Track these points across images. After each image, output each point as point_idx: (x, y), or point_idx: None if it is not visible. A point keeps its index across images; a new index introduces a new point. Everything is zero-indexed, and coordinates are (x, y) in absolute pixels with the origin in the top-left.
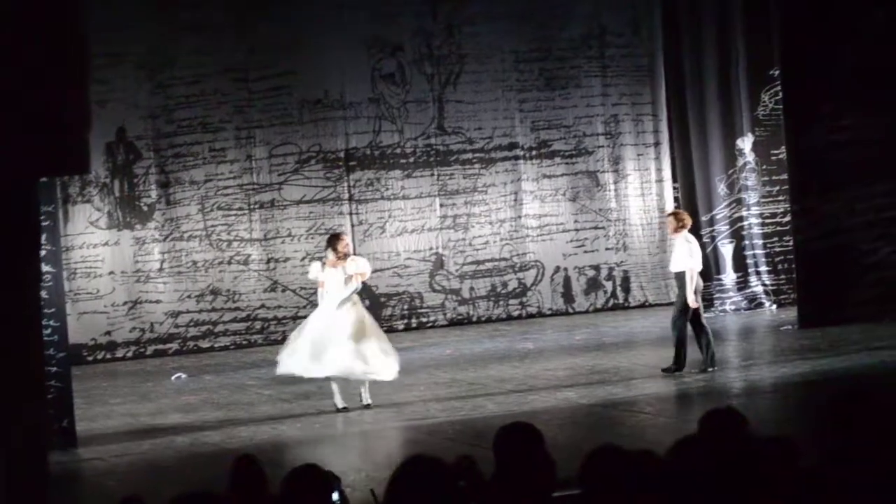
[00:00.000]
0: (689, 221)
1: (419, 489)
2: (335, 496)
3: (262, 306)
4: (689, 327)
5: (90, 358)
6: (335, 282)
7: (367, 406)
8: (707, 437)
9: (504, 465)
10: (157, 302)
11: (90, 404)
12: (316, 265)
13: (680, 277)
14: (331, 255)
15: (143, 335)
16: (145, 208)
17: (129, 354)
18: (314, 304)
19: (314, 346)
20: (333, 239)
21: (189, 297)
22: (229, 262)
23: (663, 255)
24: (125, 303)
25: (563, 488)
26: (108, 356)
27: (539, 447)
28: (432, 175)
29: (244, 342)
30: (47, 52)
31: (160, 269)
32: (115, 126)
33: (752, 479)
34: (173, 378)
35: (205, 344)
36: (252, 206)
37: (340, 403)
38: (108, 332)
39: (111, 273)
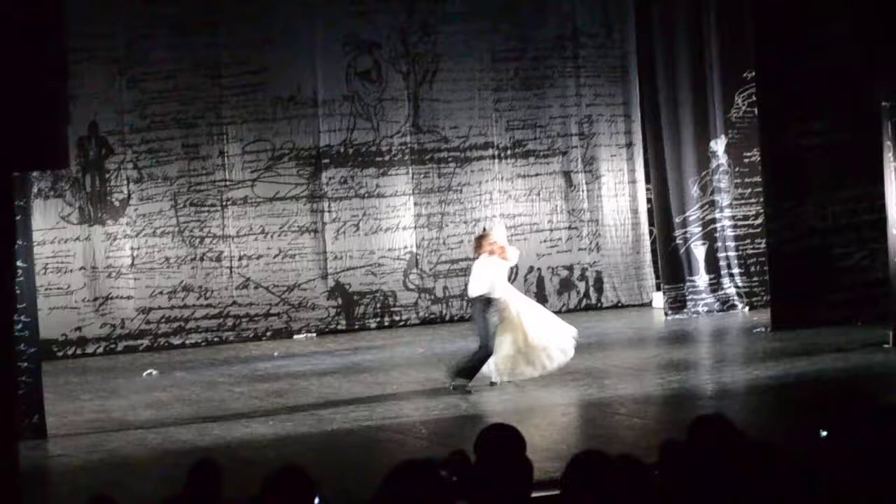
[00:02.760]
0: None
1: (410, 495)
2: (316, 501)
3: (234, 303)
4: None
5: (60, 353)
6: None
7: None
8: (697, 444)
9: (484, 465)
10: (129, 298)
11: (60, 400)
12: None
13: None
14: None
15: (113, 331)
16: (117, 204)
17: (100, 350)
18: (286, 302)
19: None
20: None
21: (160, 293)
22: (201, 259)
23: (636, 255)
24: (96, 298)
25: (540, 489)
26: (79, 352)
27: (520, 449)
28: (407, 173)
29: (216, 339)
30: (27, 46)
31: (132, 265)
32: (87, 121)
33: (741, 485)
34: (144, 374)
35: (176, 340)
36: (225, 203)
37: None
38: (79, 328)
39: (82, 268)
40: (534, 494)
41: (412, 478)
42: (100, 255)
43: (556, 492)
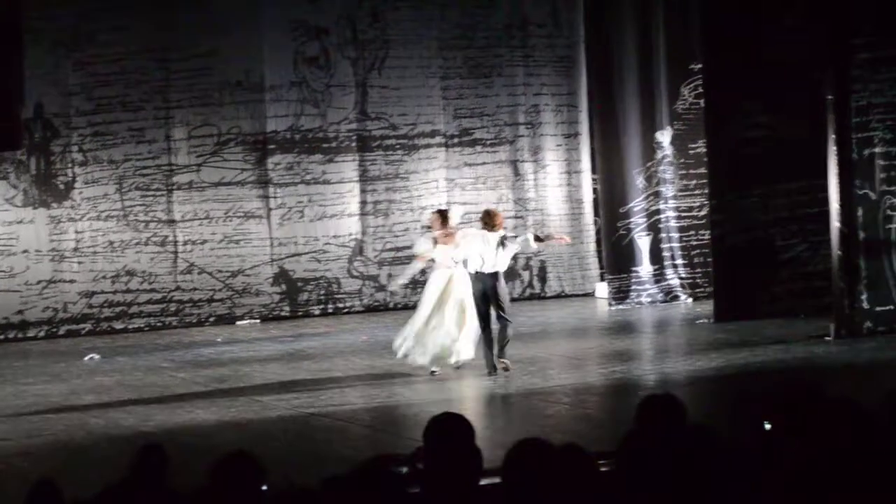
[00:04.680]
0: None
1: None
2: (264, 488)
3: (178, 288)
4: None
5: (1, 337)
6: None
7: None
8: (646, 425)
9: (433, 454)
10: (72, 282)
11: (1, 384)
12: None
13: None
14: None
15: (56, 315)
16: (62, 187)
17: (42, 334)
18: (230, 288)
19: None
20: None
21: (104, 277)
22: (146, 244)
23: (580, 245)
24: (39, 282)
25: (483, 477)
26: (20, 335)
27: (469, 438)
28: (354, 160)
29: (159, 324)
30: None
31: (75, 249)
32: (33, 103)
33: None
34: (86, 359)
35: (119, 325)
36: (170, 188)
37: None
38: (21, 312)
39: (25, 251)
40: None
41: (368, 476)
42: (43, 239)
43: (498, 480)
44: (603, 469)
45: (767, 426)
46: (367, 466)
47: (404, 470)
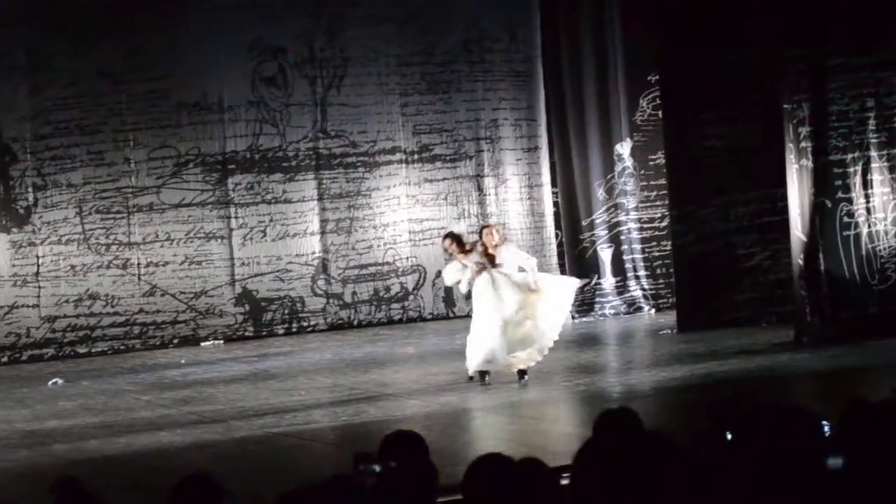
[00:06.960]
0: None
1: None
2: None
3: (141, 311)
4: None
5: None
6: None
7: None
8: (602, 438)
9: (388, 472)
10: (34, 307)
11: None
12: None
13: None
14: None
15: (18, 340)
16: (22, 211)
17: (4, 360)
18: (193, 309)
19: None
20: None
21: (66, 301)
22: (108, 266)
23: (542, 259)
24: (0, 307)
25: (444, 494)
26: None
27: (423, 455)
28: (315, 179)
29: (122, 347)
30: None
31: (37, 274)
32: None
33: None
34: (50, 384)
35: (82, 349)
36: (131, 210)
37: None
38: None
39: None
40: (439, 500)
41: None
42: (4, 264)
43: (458, 496)
44: (564, 483)
45: (728, 436)
46: (328, 482)
47: (377, 468)
